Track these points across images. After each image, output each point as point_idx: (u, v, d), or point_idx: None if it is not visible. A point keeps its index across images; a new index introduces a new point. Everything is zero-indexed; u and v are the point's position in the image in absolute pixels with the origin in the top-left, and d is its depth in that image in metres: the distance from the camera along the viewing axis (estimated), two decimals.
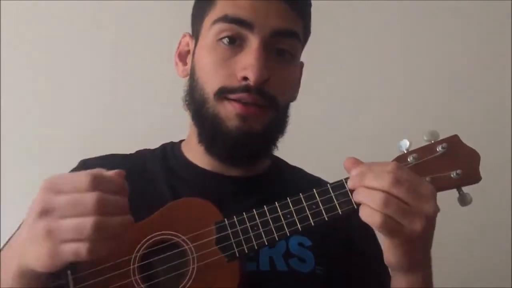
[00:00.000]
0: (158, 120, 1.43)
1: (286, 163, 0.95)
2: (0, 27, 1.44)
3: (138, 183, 0.84)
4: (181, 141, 0.93)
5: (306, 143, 1.39)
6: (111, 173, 0.62)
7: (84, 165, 0.87)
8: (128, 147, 0.94)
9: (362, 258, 0.84)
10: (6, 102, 1.44)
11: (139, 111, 1.47)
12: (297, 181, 0.89)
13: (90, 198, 0.58)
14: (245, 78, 0.77)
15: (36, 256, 0.59)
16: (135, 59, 1.48)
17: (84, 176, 0.59)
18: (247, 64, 0.77)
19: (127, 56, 1.48)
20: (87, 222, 0.57)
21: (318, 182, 0.88)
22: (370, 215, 0.64)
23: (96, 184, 0.59)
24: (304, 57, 0.91)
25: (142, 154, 0.91)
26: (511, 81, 1.53)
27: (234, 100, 0.78)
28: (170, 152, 0.91)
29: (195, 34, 0.86)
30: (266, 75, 0.77)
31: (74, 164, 0.89)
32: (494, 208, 1.49)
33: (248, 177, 0.87)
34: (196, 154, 0.87)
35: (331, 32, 1.48)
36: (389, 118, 1.47)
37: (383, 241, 0.69)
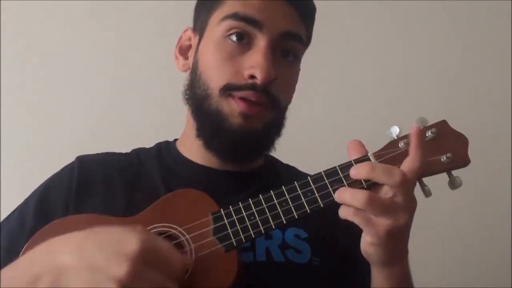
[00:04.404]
0: (155, 121, 1.42)
1: (279, 161, 0.97)
2: (0, 26, 1.44)
3: (134, 179, 0.85)
4: (176, 140, 0.94)
5: (302, 142, 1.39)
6: None
7: (81, 161, 0.87)
8: (127, 147, 0.94)
9: (355, 250, 0.84)
10: (6, 102, 1.43)
11: (138, 111, 1.46)
12: (291, 177, 0.89)
13: None
14: (252, 77, 0.78)
15: None
16: (134, 59, 1.48)
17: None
18: (255, 63, 0.78)
19: (126, 56, 1.48)
20: None
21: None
22: (350, 215, 0.67)
23: None
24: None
25: (138, 152, 0.92)
26: (511, 81, 1.53)
27: (239, 98, 0.79)
28: (165, 149, 0.91)
29: (199, 30, 0.86)
30: (273, 75, 0.78)
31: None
32: (494, 208, 1.48)
33: (243, 172, 0.87)
34: (191, 149, 0.88)
35: (329, 31, 1.46)
36: (386, 118, 1.47)
37: (363, 235, 0.69)
